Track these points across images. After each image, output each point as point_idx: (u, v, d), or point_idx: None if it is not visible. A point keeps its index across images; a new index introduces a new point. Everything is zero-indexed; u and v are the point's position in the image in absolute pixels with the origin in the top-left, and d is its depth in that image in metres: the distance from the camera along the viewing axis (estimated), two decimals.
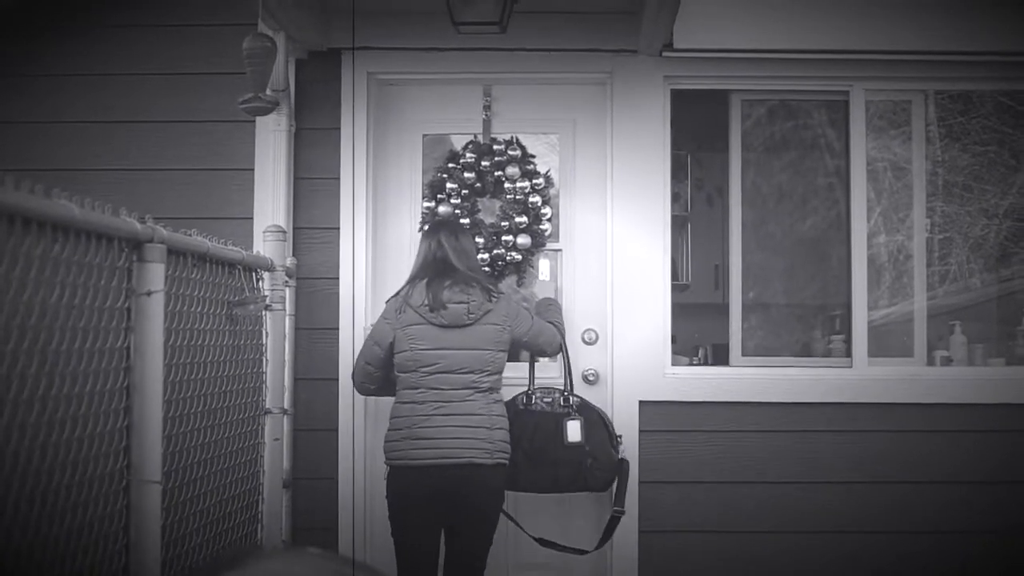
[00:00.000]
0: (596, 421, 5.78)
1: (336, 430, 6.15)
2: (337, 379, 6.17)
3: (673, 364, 6.33)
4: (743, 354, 6.50)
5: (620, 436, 5.87)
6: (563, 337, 5.82)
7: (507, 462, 5.44)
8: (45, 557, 3.21)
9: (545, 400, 5.81)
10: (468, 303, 5.39)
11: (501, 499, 5.44)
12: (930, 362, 6.41)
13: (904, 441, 6.16)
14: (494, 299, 5.45)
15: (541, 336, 5.63)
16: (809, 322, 6.78)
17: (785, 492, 6.17)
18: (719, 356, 6.85)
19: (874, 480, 6.16)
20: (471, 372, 5.37)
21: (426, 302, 5.40)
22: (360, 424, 6.15)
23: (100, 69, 6.29)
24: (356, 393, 5.95)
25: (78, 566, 3.41)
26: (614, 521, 5.81)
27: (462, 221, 6.36)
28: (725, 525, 6.17)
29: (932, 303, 6.60)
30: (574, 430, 5.70)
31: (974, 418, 6.16)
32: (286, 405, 5.82)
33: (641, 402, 6.18)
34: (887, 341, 6.50)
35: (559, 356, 6.01)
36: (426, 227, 5.93)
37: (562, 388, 5.85)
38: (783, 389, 6.17)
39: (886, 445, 6.16)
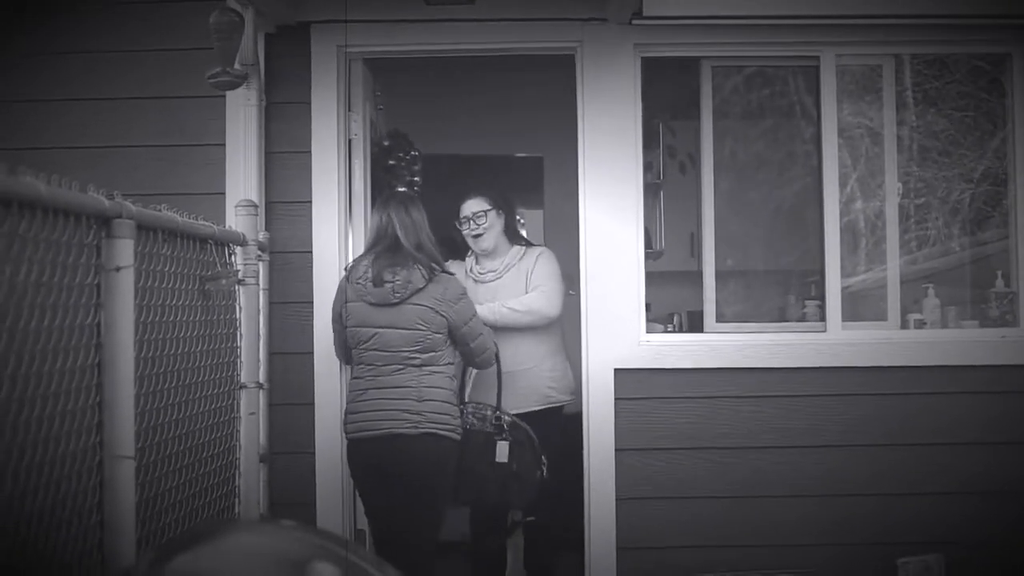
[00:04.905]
0: (524, 441, 5.81)
1: (313, 404, 6.16)
2: (312, 353, 6.16)
3: (648, 332, 6.34)
4: (719, 321, 6.50)
5: (545, 459, 5.87)
6: (497, 359, 5.84)
7: (446, 433, 5.41)
8: (19, 534, 3.22)
9: (476, 416, 5.80)
10: (394, 282, 5.40)
11: (435, 471, 5.40)
12: (904, 325, 6.42)
13: (878, 404, 6.18)
14: (428, 278, 5.42)
15: (476, 340, 5.63)
16: (785, 288, 6.79)
17: (761, 456, 6.19)
18: (694, 323, 6.86)
19: (850, 444, 6.18)
20: (401, 350, 5.41)
21: (367, 277, 5.46)
22: (337, 397, 6.12)
23: (70, 46, 6.25)
24: (332, 366, 6.02)
25: (53, 542, 3.42)
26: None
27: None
28: (702, 491, 6.19)
29: (910, 268, 6.61)
30: (502, 451, 5.73)
31: (947, 380, 6.19)
32: (261, 379, 5.81)
33: (616, 370, 6.19)
34: (864, 306, 6.51)
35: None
36: (379, 200, 5.91)
37: (494, 405, 5.87)
38: (756, 355, 6.19)
39: (860, 408, 6.18)
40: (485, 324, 5.83)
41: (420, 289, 5.40)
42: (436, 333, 5.43)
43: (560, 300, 6.27)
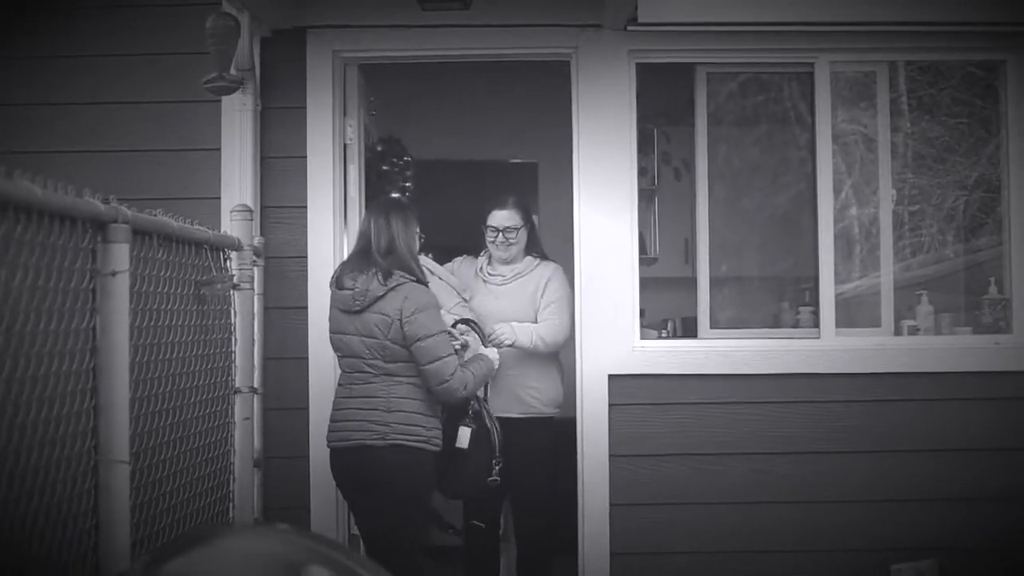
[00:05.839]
0: (483, 435, 5.75)
1: (307, 408, 6.16)
2: (307, 358, 6.16)
3: (642, 338, 6.34)
4: (713, 327, 6.50)
5: (500, 458, 5.77)
6: (469, 389, 5.54)
7: (416, 444, 5.34)
8: (14, 537, 3.22)
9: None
10: (353, 288, 5.37)
11: (405, 481, 5.35)
12: (897, 332, 6.43)
13: (871, 410, 6.19)
14: (386, 286, 5.33)
15: (431, 364, 5.34)
16: (779, 295, 6.79)
17: (754, 463, 6.19)
18: (688, 329, 6.86)
19: (842, 450, 6.19)
20: (367, 357, 5.37)
21: (335, 285, 5.48)
22: (330, 402, 6.10)
23: (67, 51, 6.25)
24: (326, 371, 6.04)
25: (47, 545, 3.42)
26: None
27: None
28: (695, 497, 6.19)
29: (904, 275, 6.62)
30: (463, 437, 5.69)
31: (940, 387, 6.19)
32: (256, 384, 5.82)
33: (610, 376, 6.18)
34: (859, 312, 6.52)
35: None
36: (369, 204, 5.90)
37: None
38: (750, 361, 6.19)
39: (853, 415, 6.19)
40: (499, 341, 5.90)
41: (379, 297, 5.33)
42: (394, 344, 5.34)
43: (570, 327, 6.25)
